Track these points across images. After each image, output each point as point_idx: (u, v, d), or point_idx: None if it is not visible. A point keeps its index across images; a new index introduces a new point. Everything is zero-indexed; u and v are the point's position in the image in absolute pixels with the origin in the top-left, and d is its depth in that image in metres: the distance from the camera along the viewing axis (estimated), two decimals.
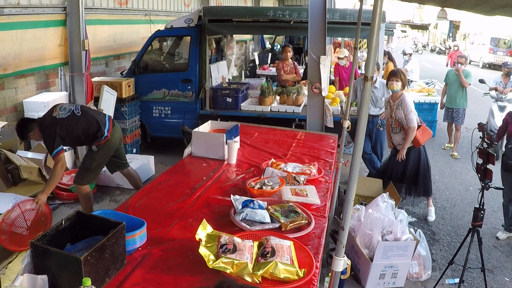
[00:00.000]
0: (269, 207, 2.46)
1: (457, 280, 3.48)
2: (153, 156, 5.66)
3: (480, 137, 3.39)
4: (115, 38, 7.01)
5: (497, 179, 4.01)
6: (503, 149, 5.29)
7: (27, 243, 3.39)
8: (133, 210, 2.50)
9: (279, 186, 2.73)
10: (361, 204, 4.10)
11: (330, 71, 6.11)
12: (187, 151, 3.62)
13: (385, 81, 5.07)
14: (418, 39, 35.55)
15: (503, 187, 4.04)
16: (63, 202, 4.75)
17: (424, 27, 20.17)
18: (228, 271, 1.83)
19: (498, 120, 6.67)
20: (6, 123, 4.64)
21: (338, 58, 7.35)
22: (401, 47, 15.92)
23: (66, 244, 1.94)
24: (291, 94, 6.02)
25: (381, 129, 5.30)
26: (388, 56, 7.76)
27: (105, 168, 4.23)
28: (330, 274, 1.85)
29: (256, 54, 11.35)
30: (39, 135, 3.65)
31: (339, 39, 10.49)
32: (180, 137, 5.15)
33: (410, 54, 9.91)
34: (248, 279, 1.81)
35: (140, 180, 4.41)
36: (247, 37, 13.00)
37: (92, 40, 5.90)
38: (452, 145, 7.22)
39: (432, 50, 32.49)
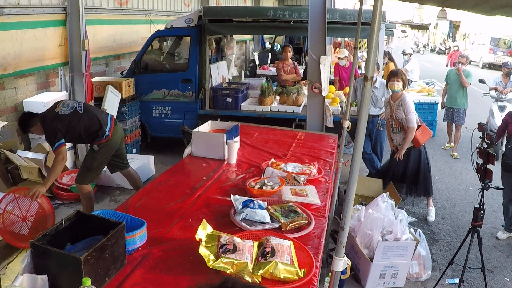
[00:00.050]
0: (269, 207, 2.46)
1: (457, 280, 3.48)
2: (153, 156, 5.66)
3: (480, 137, 3.39)
4: (115, 38, 7.01)
5: (497, 179, 4.01)
6: (503, 149, 5.29)
7: (26, 239, 3.43)
8: (133, 210, 2.50)
9: (279, 186, 2.73)
10: (361, 204, 4.10)
11: (330, 71, 6.11)
12: (187, 151, 3.62)
13: (385, 81, 5.08)
14: (419, 39, 35.54)
15: (503, 187, 4.04)
16: (63, 202, 4.75)
17: (424, 27, 20.17)
18: (228, 271, 1.83)
19: (498, 120, 6.67)
20: (6, 123, 4.64)
21: (338, 58, 7.35)
22: (401, 47, 15.92)
23: (66, 244, 1.94)
24: (291, 94, 6.02)
25: (381, 129, 5.30)
26: (389, 56, 7.76)
27: (105, 168, 4.23)
28: (330, 274, 1.85)
29: (256, 54, 11.35)
30: (41, 130, 3.68)
31: (339, 39, 10.49)
32: (180, 137, 5.15)
33: (410, 54, 9.91)
34: (248, 279, 1.81)
35: (140, 181, 4.41)
36: (247, 37, 13.00)
37: (92, 40, 5.90)
38: (452, 144, 7.22)
39: (432, 50, 32.50)
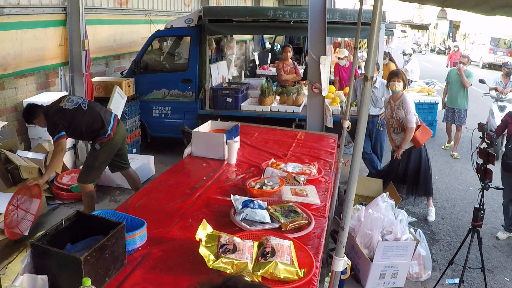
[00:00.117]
0: (269, 207, 2.46)
1: (457, 280, 3.48)
2: (153, 156, 5.66)
3: (480, 137, 3.38)
4: (115, 38, 7.02)
5: (497, 179, 4.01)
6: (503, 149, 5.29)
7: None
8: (133, 210, 2.50)
9: (279, 186, 2.73)
10: (361, 204, 4.10)
11: (330, 71, 6.11)
12: (187, 151, 3.62)
13: (385, 81, 5.08)
14: (420, 39, 35.53)
15: (503, 187, 4.04)
16: (63, 202, 4.75)
17: (424, 27, 20.17)
18: (228, 271, 1.83)
19: (498, 120, 6.66)
20: (6, 123, 4.65)
21: (338, 58, 7.35)
22: (401, 47, 15.91)
23: (66, 244, 1.94)
24: (291, 94, 6.02)
25: (381, 129, 5.30)
26: (389, 57, 7.75)
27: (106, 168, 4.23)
28: (330, 274, 1.85)
29: (256, 54, 11.35)
30: (44, 122, 3.72)
31: (339, 39, 10.50)
32: (180, 137, 5.15)
33: (410, 54, 9.91)
34: (248, 279, 1.81)
35: (140, 182, 4.42)
36: (247, 37, 13.00)
37: (92, 40, 5.90)
38: (452, 143, 7.22)
39: (432, 50, 32.50)
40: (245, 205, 2.40)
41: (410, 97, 4.54)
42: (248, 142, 4.02)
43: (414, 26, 21.16)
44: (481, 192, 3.22)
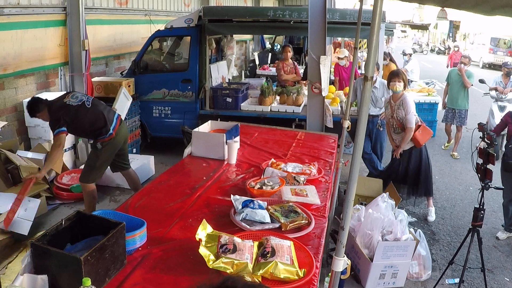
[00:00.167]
0: (269, 207, 2.46)
1: (457, 280, 3.48)
2: (153, 156, 5.66)
3: (480, 137, 3.38)
4: (115, 38, 7.02)
5: (497, 179, 4.01)
6: (503, 149, 5.29)
7: None
8: (133, 210, 2.50)
9: (279, 186, 2.73)
10: (361, 204, 4.10)
11: (330, 71, 6.11)
12: (187, 151, 3.62)
13: (385, 81, 5.08)
14: (421, 40, 35.51)
15: (503, 187, 4.04)
16: (63, 202, 4.75)
17: (424, 27, 20.18)
18: (228, 271, 1.83)
19: (498, 120, 6.64)
20: (6, 123, 4.65)
21: (338, 58, 7.35)
22: (401, 47, 15.91)
23: (66, 244, 1.94)
24: (291, 94, 6.02)
25: (381, 129, 5.30)
26: (390, 58, 7.75)
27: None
28: (330, 274, 1.85)
29: (256, 54, 11.35)
30: (47, 116, 3.74)
31: (339, 39, 10.49)
32: (180, 137, 5.15)
33: (410, 54, 9.91)
34: (248, 279, 1.81)
35: (139, 183, 4.42)
36: (247, 37, 13.00)
37: (92, 40, 5.90)
38: (452, 142, 7.22)
39: (432, 50, 32.51)
40: (245, 205, 2.40)
41: (411, 97, 4.54)
42: (248, 142, 4.02)
43: (414, 26, 21.17)
44: (481, 192, 3.22)
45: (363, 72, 6.73)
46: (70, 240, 1.96)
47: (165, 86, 6.18)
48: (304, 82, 6.26)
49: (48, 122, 3.76)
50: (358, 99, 5.42)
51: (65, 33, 5.60)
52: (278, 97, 6.19)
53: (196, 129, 3.68)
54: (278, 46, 11.87)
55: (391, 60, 7.77)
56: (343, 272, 1.82)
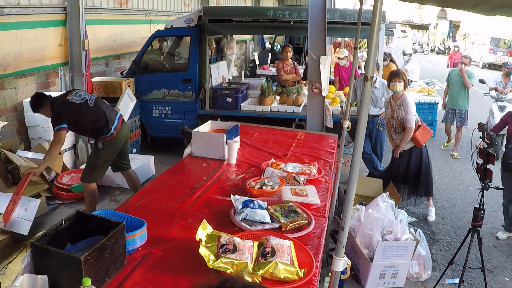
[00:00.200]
0: (269, 207, 2.46)
1: (457, 280, 3.48)
2: (153, 156, 5.66)
3: (480, 137, 3.38)
4: (115, 38, 7.02)
5: (497, 179, 4.01)
6: (503, 149, 5.29)
7: None
8: (133, 210, 2.50)
9: (279, 186, 2.73)
10: (361, 204, 4.10)
11: (330, 71, 6.11)
12: (187, 151, 3.62)
13: (385, 81, 5.08)
14: (422, 39, 35.47)
15: (503, 187, 4.04)
16: (63, 202, 4.75)
17: (424, 27, 20.18)
18: (228, 271, 1.83)
19: (498, 120, 6.66)
20: (6, 123, 4.65)
21: (338, 58, 7.35)
22: (401, 47, 15.91)
23: (66, 244, 1.94)
24: (291, 94, 6.02)
25: (381, 129, 5.30)
26: (390, 58, 7.75)
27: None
28: (330, 274, 1.85)
29: (256, 54, 11.35)
30: (49, 113, 3.77)
31: (339, 39, 10.50)
32: (180, 137, 5.15)
33: (410, 54, 9.91)
34: (248, 279, 1.81)
35: (139, 183, 4.42)
36: (247, 37, 13.00)
37: (92, 40, 5.90)
38: (452, 141, 7.21)
39: (431, 50, 32.51)
40: (245, 205, 2.40)
41: (411, 98, 4.55)
42: (248, 142, 4.02)
43: (414, 26, 21.17)
44: (481, 192, 3.22)
45: (363, 72, 6.73)
46: (70, 240, 1.96)
47: (165, 86, 6.18)
48: (304, 82, 6.26)
49: (49, 119, 3.77)
50: (358, 99, 5.42)
51: (65, 33, 5.60)
52: (278, 97, 6.19)
53: (196, 129, 3.68)
54: (278, 46, 11.88)
55: (392, 60, 7.76)
56: (343, 272, 1.82)
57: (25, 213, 3.77)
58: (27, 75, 5.22)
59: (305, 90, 5.81)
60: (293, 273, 1.85)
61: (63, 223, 1.92)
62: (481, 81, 7.44)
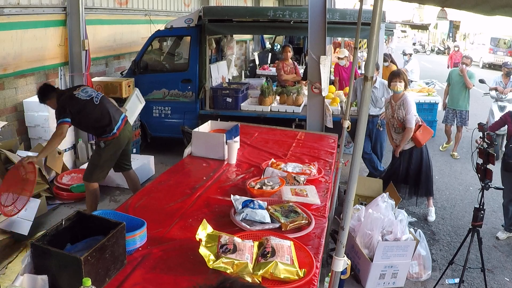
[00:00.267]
0: (269, 207, 2.46)
1: (457, 280, 3.48)
2: (153, 156, 5.66)
3: (480, 137, 3.38)
4: (115, 38, 7.02)
5: (497, 179, 4.01)
6: (503, 149, 5.29)
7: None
8: (133, 210, 2.50)
9: (279, 186, 2.73)
10: (361, 204, 4.10)
11: (330, 71, 6.11)
12: (187, 151, 3.62)
13: (385, 81, 5.08)
14: (423, 40, 35.42)
15: (503, 187, 4.04)
16: (63, 202, 4.75)
17: (424, 27, 20.17)
18: (228, 271, 1.83)
19: None
20: (6, 123, 4.65)
21: (338, 58, 7.35)
22: (401, 47, 15.90)
23: (66, 244, 1.94)
24: (291, 94, 6.02)
25: (381, 129, 5.30)
26: (391, 59, 7.74)
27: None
28: (330, 274, 1.85)
29: (256, 54, 11.35)
30: (54, 105, 3.80)
31: (339, 39, 10.50)
32: (180, 137, 5.15)
33: (410, 54, 9.90)
34: (248, 279, 1.81)
35: (139, 184, 4.42)
36: (247, 37, 13.00)
37: (92, 40, 5.90)
38: (451, 143, 7.20)
39: (431, 50, 32.52)
40: (245, 205, 2.40)
41: (411, 98, 4.55)
42: (248, 142, 4.02)
43: (414, 26, 21.17)
44: (481, 192, 3.22)
45: (363, 72, 6.73)
46: (70, 240, 1.96)
47: (165, 86, 6.18)
48: (304, 82, 6.26)
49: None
50: (358, 99, 5.42)
51: (65, 33, 5.60)
52: (278, 97, 6.19)
53: (196, 129, 3.68)
54: (278, 46, 11.88)
55: (392, 61, 7.75)
56: (343, 272, 1.82)
57: (25, 213, 3.78)
58: (27, 75, 5.22)
59: (305, 90, 5.81)
60: (293, 273, 1.85)
61: (63, 223, 1.92)
62: (481, 81, 7.43)
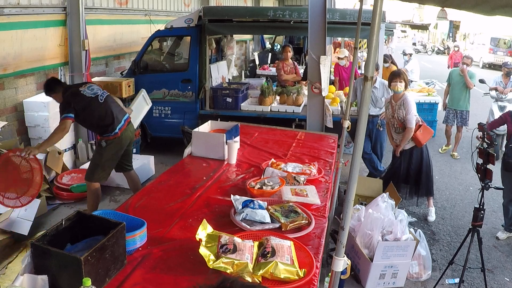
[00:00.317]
0: (269, 207, 2.46)
1: (457, 280, 3.48)
2: (153, 156, 5.66)
3: (480, 137, 3.39)
4: (115, 38, 7.01)
5: (497, 179, 4.01)
6: (503, 149, 5.29)
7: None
8: (133, 210, 2.50)
9: (279, 186, 2.73)
10: (361, 204, 4.10)
11: (330, 71, 6.11)
12: (187, 151, 3.62)
13: (385, 81, 5.08)
14: (423, 40, 35.38)
15: (503, 187, 4.04)
16: (63, 202, 4.75)
17: (424, 27, 20.17)
18: (228, 271, 1.83)
19: None
20: (6, 123, 4.64)
21: (338, 58, 7.35)
22: (401, 47, 15.89)
23: (66, 244, 1.94)
24: (291, 94, 6.03)
25: (381, 129, 5.30)
26: (391, 60, 7.73)
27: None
28: (330, 274, 1.85)
29: (256, 54, 11.35)
30: (60, 99, 3.83)
31: (339, 39, 10.50)
32: (180, 137, 5.15)
33: (410, 54, 9.90)
34: (249, 279, 1.81)
35: (140, 185, 4.43)
36: (247, 37, 13.00)
37: (92, 40, 5.90)
38: (450, 146, 7.19)
39: (431, 50, 32.52)
40: (245, 205, 2.40)
41: (412, 98, 4.55)
42: (248, 142, 4.02)
43: (414, 26, 21.17)
44: (481, 192, 3.22)
45: (363, 72, 6.73)
46: (70, 240, 1.96)
47: (165, 86, 6.18)
48: (304, 82, 6.26)
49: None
50: (358, 99, 5.42)
51: (65, 33, 5.60)
52: (278, 97, 6.19)
53: (196, 129, 3.68)
54: (278, 46, 11.88)
55: (393, 62, 7.74)
56: (343, 272, 1.82)
57: (25, 213, 3.78)
58: (27, 75, 5.22)
59: (305, 90, 5.81)
60: (293, 273, 1.85)
61: (63, 223, 1.92)
62: (481, 81, 7.42)
